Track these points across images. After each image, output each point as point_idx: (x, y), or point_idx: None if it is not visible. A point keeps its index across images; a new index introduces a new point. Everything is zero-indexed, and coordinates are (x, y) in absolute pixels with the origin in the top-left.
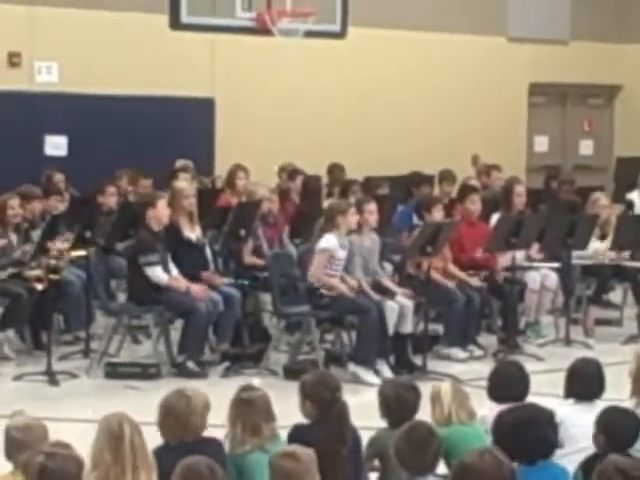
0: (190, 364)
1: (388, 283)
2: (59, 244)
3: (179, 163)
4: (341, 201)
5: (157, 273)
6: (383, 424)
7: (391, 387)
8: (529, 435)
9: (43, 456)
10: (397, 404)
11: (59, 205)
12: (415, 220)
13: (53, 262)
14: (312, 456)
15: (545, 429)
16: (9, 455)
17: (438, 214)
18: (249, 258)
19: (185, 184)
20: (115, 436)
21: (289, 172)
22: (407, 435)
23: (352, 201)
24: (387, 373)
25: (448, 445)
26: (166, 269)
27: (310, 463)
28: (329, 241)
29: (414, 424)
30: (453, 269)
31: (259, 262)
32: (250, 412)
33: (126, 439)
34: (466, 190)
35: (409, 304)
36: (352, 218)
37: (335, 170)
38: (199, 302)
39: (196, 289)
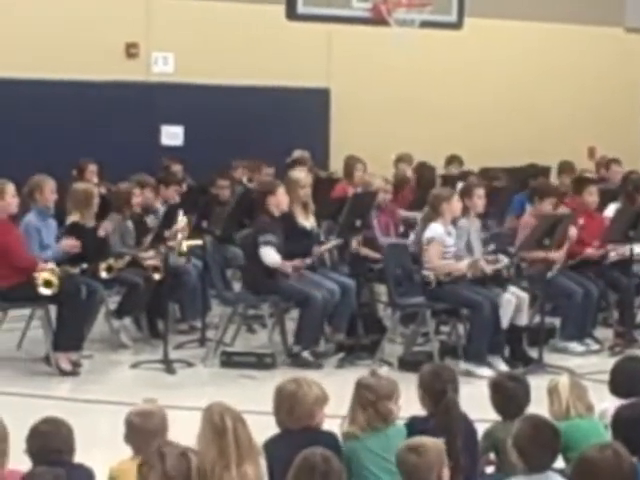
0: (305, 354)
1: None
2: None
3: (296, 154)
4: (444, 188)
5: (271, 253)
6: (498, 417)
7: (501, 380)
8: None
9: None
10: (508, 397)
11: (176, 195)
12: (528, 207)
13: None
14: (439, 448)
15: None
16: (129, 440)
17: (548, 207)
18: (364, 249)
19: (301, 174)
20: (218, 430)
21: (407, 162)
22: (532, 435)
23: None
24: (502, 367)
25: (566, 439)
26: (280, 251)
27: (436, 456)
28: (435, 230)
29: (538, 422)
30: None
31: (373, 254)
32: (375, 398)
33: (229, 432)
34: (583, 182)
35: (525, 296)
36: (456, 205)
37: (453, 161)
38: (315, 292)
39: (297, 262)
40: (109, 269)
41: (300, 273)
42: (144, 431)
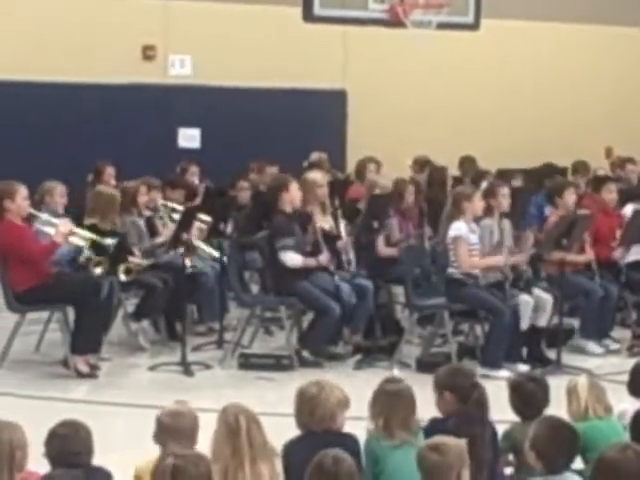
0: (305, 353)
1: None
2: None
3: (314, 156)
4: (466, 187)
5: (291, 256)
6: (516, 417)
7: (521, 381)
8: None
9: (173, 457)
10: (527, 398)
11: (180, 199)
12: (547, 211)
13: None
14: (461, 448)
15: None
16: (158, 439)
17: (570, 197)
18: (384, 250)
19: (318, 174)
20: (232, 430)
21: (420, 163)
22: (550, 436)
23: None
24: (521, 367)
25: (584, 440)
26: (299, 250)
27: (457, 456)
28: (459, 228)
29: (556, 423)
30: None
31: (394, 253)
32: (398, 405)
33: (243, 432)
34: (602, 180)
35: (548, 297)
36: (478, 204)
37: (466, 162)
38: (334, 303)
39: (323, 258)
40: (128, 271)
41: (328, 266)
42: (174, 431)
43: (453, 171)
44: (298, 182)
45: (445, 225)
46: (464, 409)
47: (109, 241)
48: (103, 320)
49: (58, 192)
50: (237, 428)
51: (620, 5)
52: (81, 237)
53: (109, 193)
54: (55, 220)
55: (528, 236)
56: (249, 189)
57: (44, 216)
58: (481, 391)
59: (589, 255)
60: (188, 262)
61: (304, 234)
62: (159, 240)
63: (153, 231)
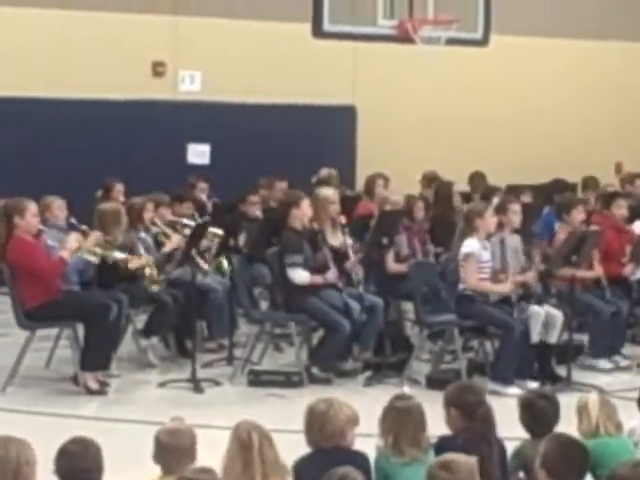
0: (315, 370)
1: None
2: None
3: (324, 172)
4: (479, 203)
5: (300, 274)
6: (526, 434)
7: (531, 398)
8: None
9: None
10: (538, 415)
11: (189, 213)
12: (556, 226)
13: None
14: (471, 465)
15: None
16: (158, 459)
17: (579, 215)
18: (393, 266)
19: (330, 191)
20: (244, 445)
21: (428, 179)
22: (561, 454)
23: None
24: (531, 384)
25: (595, 457)
26: (308, 267)
27: (467, 473)
28: (472, 245)
29: (566, 441)
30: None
31: (403, 269)
32: (408, 422)
33: (255, 448)
34: (611, 196)
35: (558, 314)
36: (490, 220)
37: (476, 178)
38: (344, 320)
39: (330, 276)
40: (152, 281)
41: (336, 283)
42: (173, 450)
43: (462, 187)
44: (309, 198)
45: (458, 242)
46: (471, 427)
47: (118, 255)
48: (113, 337)
49: (56, 206)
50: (249, 444)
51: (628, 21)
52: (90, 252)
53: (112, 208)
54: (63, 235)
55: (535, 253)
56: (259, 203)
57: (53, 232)
58: (486, 408)
59: (597, 271)
60: (205, 266)
61: (313, 252)
62: (165, 250)
63: (160, 246)
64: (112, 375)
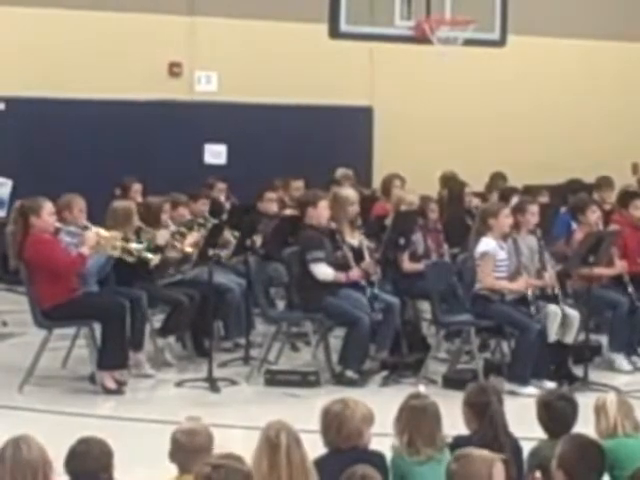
0: (350, 373)
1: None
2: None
3: (340, 172)
4: (494, 203)
5: (323, 270)
6: (543, 434)
7: (550, 399)
8: None
9: (210, 468)
10: (556, 416)
11: (205, 208)
12: (573, 226)
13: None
14: (487, 460)
15: None
16: (174, 458)
17: (593, 215)
18: (409, 265)
19: (350, 191)
20: (272, 445)
21: (444, 179)
22: (579, 455)
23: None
24: (548, 384)
25: (612, 457)
26: (329, 264)
27: (479, 464)
28: (488, 244)
29: (583, 441)
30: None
31: (418, 268)
32: (423, 421)
33: (282, 449)
34: (629, 195)
35: (575, 314)
36: (505, 220)
37: (496, 178)
38: (362, 314)
39: (355, 274)
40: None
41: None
42: (190, 449)
43: (480, 187)
44: (328, 198)
45: (474, 241)
46: (481, 427)
47: (137, 246)
48: (134, 336)
49: (77, 208)
50: (277, 444)
51: None
52: (110, 246)
53: (123, 207)
54: (81, 232)
55: (551, 253)
56: (276, 201)
57: (71, 228)
58: (494, 409)
59: (620, 267)
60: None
61: (333, 250)
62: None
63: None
64: (147, 375)
